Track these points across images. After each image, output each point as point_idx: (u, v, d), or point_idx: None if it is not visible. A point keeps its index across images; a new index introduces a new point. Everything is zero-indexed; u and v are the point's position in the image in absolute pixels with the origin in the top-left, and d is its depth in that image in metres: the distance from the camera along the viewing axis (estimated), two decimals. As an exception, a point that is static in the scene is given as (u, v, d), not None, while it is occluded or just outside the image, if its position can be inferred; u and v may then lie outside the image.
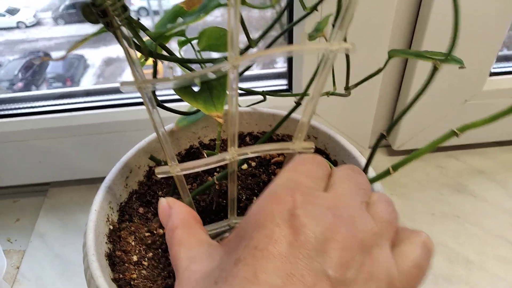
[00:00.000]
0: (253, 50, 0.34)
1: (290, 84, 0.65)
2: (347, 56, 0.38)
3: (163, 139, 0.32)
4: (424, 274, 0.26)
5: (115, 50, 0.93)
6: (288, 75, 0.64)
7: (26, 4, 0.86)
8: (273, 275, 0.21)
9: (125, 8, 0.25)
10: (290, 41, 0.60)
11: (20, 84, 0.86)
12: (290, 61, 0.63)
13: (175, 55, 0.31)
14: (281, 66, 0.68)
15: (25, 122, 0.62)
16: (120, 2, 0.25)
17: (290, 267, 0.22)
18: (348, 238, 0.23)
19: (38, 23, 0.87)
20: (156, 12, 0.99)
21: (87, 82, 0.99)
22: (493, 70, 0.65)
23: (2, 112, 0.64)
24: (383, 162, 0.71)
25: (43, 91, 0.73)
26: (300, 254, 0.22)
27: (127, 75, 0.96)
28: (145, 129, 0.61)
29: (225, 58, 0.29)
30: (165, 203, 0.31)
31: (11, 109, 0.64)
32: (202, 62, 0.32)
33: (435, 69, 0.28)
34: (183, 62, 0.31)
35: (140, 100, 0.63)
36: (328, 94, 0.42)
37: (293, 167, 0.28)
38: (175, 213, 0.31)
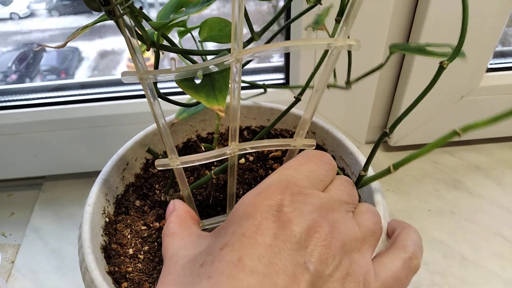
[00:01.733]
0: (255, 43, 0.33)
1: (287, 78, 0.65)
2: (349, 52, 0.37)
3: (164, 131, 0.31)
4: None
5: (110, 43, 0.92)
6: (285, 69, 0.64)
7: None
8: (257, 262, 0.23)
9: (128, -3, 0.25)
10: (287, 34, 0.60)
11: (13, 76, 0.85)
12: (287, 55, 0.62)
13: (177, 46, 0.30)
14: (277, 60, 0.68)
15: (20, 114, 0.61)
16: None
17: (273, 256, 0.23)
18: (330, 237, 0.25)
19: (31, 15, 0.86)
20: (151, 5, 0.98)
21: (82, 74, 0.98)
22: (490, 66, 0.65)
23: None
24: (379, 158, 0.71)
25: (38, 83, 0.73)
26: (284, 245, 0.24)
27: (122, 68, 0.95)
28: (141, 122, 0.60)
29: (228, 51, 0.29)
30: (171, 204, 0.33)
31: (5, 101, 0.64)
32: (204, 54, 0.31)
33: (441, 68, 0.28)
34: (186, 54, 0.31)
35: (137, 93, 0.63)
36: (329, 86, 0.42)
37: (294, 166, 0.29)
38: (176, 210, 0.32)
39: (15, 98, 0.64)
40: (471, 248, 0.58)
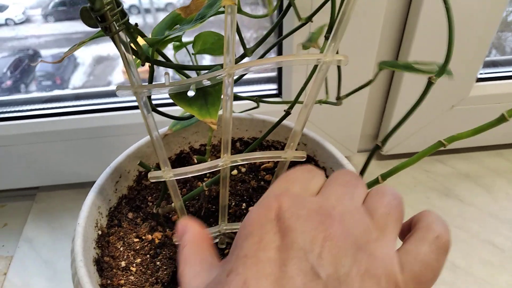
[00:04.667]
0: (248, 59, 0.34)
1: (279, 89, 0.65)
2: (339, 68, 0.38)
3: (157, 144, 0.32)
4: (436, 275, 0.25)
5: (106, 48, 0.92)
6: (278, 80, 0.65)
7: (15, 1, 0.84)
8: (263, 281, 0.22)
9: (124, 14, 0.25)
10: (279, 48, 0.60)
11: (8, 82, 0.85)
12: (279, 67, 0.63)
13: (171, 61, 0.31)
14: (270, 71, 0.68)
15: (13, 126, 0.62)
16: (119, 8, 0.25)
17: (279, 271, 0.22)
18: (338, 235, 0.23)
19: (27, 20, 0.85)
20: (147, 10, 0.99)
21: (78, 80, 0.98)
22: (480, 76, 0.66)
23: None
24: (371, 166, 0.71)
25: (32, 94, 0.72)
26: (288, 256, 0.22)
27: (118, 74, 0.95)
28: (135, 133, 0.60)
29: (221, 66, 0.29)
30: (183, 223, 0.32)
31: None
32: (198, 69, 0.32)
33: (430, 84, 0.29)
34: (180, 69, 0.31)
35: (131, 104, 0.63)
36: (320, 102, 0.42)
37: (283, 177, 0.29)
38: (188, 232, 0.31)
39: (8, 109, 0.64)
40: (462, 255, 0.58)
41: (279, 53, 0.61)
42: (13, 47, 0.87)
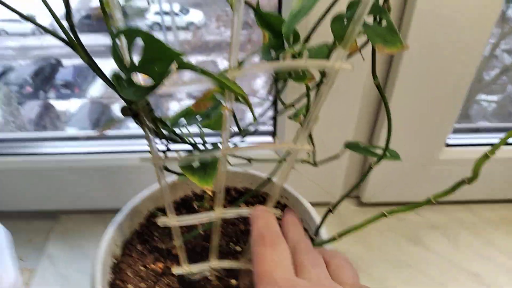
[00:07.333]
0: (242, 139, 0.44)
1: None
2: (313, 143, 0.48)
3: (167, 197, 0.42)
4: None
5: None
6: (273, 135, 0.74)
7: (42, 12, 0.93)
8: None
9: (151, 110, 0.35)
10: (274, 122, 0.71)
11: (28, 88, 0.91)
12: (275, 123, 0.73)
13: (185, 140, 0.41)
14: (268, 124, 0.77)
15: (44, 161, 0.72)
16: (148, 106, 0.35)
17: None
18: None
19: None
20: (168, 28, 1.06)
21: (95, 90, 1.04)
22: (449, 142, 0.74)
23: (24, 151, 0.74)
24: (352, 212, 0.80)
25: (71, 134, 0.81)
26: None
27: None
28: (148, 173, 0.70)
29: (219, 143, 0.39)
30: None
31: (31, 147, 0.74)
32: (203, 144, 0.42)
33: (369, 168, 0.38)
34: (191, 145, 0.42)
35: (146, 149, 0.73)
36: (302, 161, 0.52)
37: (263, 255, 0.34)
38: None
39: (40, 144, 0.74)
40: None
41: (274, 124, 0.72)
42: (37, 55, 0.92)
